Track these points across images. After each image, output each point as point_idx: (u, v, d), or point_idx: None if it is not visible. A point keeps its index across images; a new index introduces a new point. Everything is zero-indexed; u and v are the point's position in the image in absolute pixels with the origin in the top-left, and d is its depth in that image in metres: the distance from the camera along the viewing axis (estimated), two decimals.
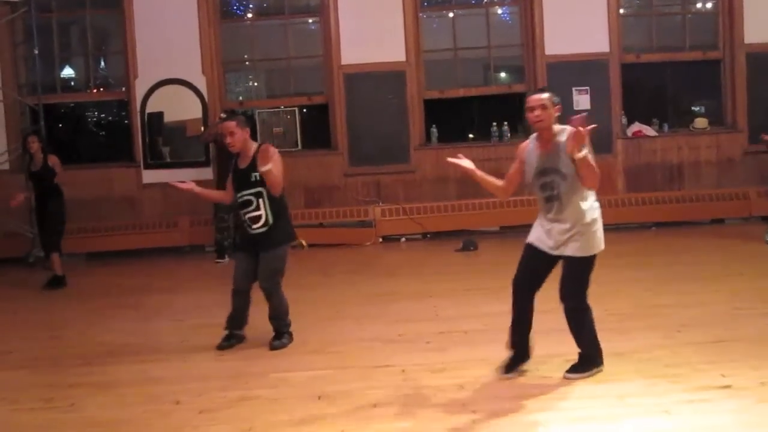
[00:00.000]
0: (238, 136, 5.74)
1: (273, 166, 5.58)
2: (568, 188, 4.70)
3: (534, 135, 4.94)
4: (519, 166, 5.00)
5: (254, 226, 5.76)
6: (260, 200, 5.73)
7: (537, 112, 4.75)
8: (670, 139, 11.04)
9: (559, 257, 4.82)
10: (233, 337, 5.94)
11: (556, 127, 4.80)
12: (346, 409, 4.49)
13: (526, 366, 4.97)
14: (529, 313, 4.93)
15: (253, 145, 5.85)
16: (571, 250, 4.75)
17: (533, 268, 4.89)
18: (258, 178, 5.69)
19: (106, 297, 8.17)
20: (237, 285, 5.90)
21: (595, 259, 4.79)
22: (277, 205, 5.77)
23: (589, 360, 4.86)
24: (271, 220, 5.74)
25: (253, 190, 5.73)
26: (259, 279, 5.82)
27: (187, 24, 10.67)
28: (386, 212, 10.66)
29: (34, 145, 8.65)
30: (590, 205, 4.76)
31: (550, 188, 4.77)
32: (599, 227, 4.79)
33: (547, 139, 4.80)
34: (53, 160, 8.63)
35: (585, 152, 4.50)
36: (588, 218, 4.73)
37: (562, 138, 4.71)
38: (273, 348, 5.77)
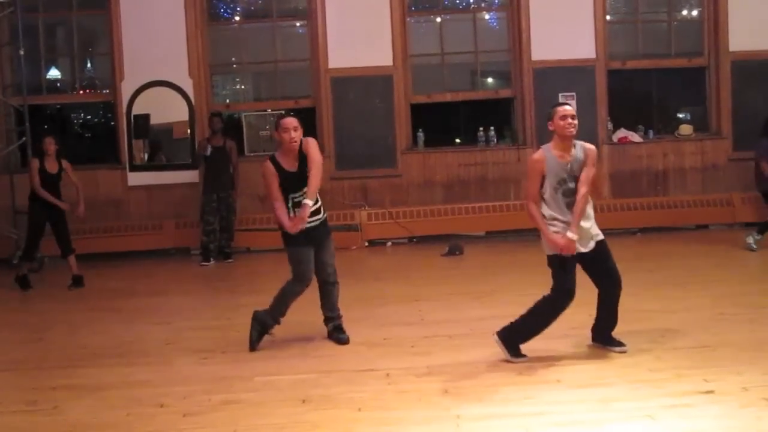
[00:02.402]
0: (300, 132, 5.74)
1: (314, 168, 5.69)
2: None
3: (547, 146, 5.31)
4: (540, 180, 5.27)
5: (312, 219, 5.75)
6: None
7: (570, 121, 5.17)
8: (655, 145, 11.10)
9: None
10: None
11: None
12: (331, 412, 4.49)
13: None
14: None
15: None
16: (599, 236, 5.31)
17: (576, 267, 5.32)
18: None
19: (90, 299, 8.14)
20: (309, 277, 5.87)
21: None
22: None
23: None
24: (323, 208, 5.86)
25: None
26: (327, 265, 5.91)
27: (174, 26, 10.64)
28: (372, 216, 10.67)
29: (51, 147, 8.63)
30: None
31: (572, 193, 5.19)
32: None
33: (568, 148, 5.22)
34: (66, 164, 8.71)
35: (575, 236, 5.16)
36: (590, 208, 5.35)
37: (578, 149, 5.22)
38: (343, 342, 5.89)
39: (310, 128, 11.01)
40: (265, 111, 11.25)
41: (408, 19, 11.10)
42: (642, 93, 11.70)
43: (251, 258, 10.27)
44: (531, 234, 9.94)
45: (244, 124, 11.07)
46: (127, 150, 10.76)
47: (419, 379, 4.99)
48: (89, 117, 13.29)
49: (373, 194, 10.88)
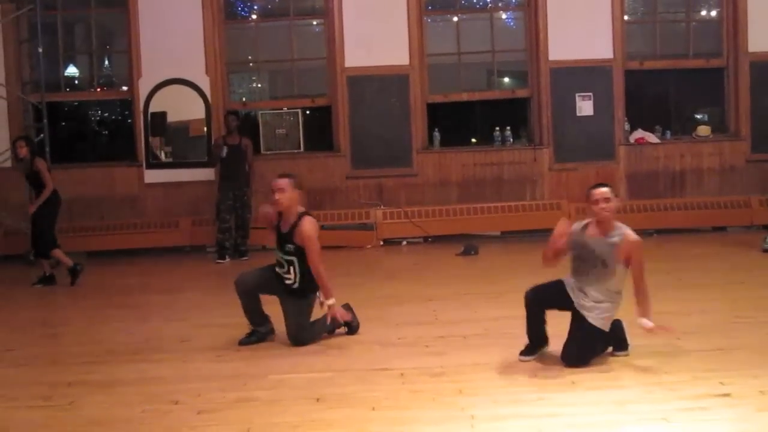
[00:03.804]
0: (287, 195, 5.75)
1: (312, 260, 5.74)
2: (600, 276, 5.12)
3: (584, 222, 5.26)
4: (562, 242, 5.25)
5: (285, 282, 5.85)
6: (291, 267, 5.81)
7: (603, 205, 5.08)
8: (672, 146, 11.04)
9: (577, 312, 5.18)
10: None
11: (616, 222, 5.18)
12: (345, 411, 4.48)
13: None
14: (542, 320, 5.29)
15: (297, 210, 5.83)
16: (591, 317, 5.12)
17: (552, 296, 5.22)
18: (292, 249, 5.77)
19: (106, 296, 8.17)
20: (238, 283, 5.93)
21: (606, 336, 5.18)
22: (308, 269, 5.80)
23: None
24: (298, 283, 5.83)
25: (286, 257, 5.82)
26: (287, 332, 5.87)
27: (191, 24, 10.68)
28: (388, 215, 10.66)
29: (23, 150, 8.66)
30: (612, 297, 5.18)
31: (587, 264, 5.15)
32: (611, 314, 5.20)
33: (606, 230, 5.14)
34: (39, 165, 8.60)
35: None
36: (606, 304, 5.16)
37: (616, 237, 5.10)
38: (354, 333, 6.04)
39: (326, 127, 11.08)
40: (282, 109, 11.27)
41: (425, 18, 11.10)
42: (659, 94, 11.64)
43: (266, 256, 10.20)
44: (547, 234, 9.95)
45: (260, 122, 11.09)
46: (144, 147, 10.82)
47: (433, 379, 4.98)
48: (107, 114, 13.38)
49: (389, 193, 10.88)
